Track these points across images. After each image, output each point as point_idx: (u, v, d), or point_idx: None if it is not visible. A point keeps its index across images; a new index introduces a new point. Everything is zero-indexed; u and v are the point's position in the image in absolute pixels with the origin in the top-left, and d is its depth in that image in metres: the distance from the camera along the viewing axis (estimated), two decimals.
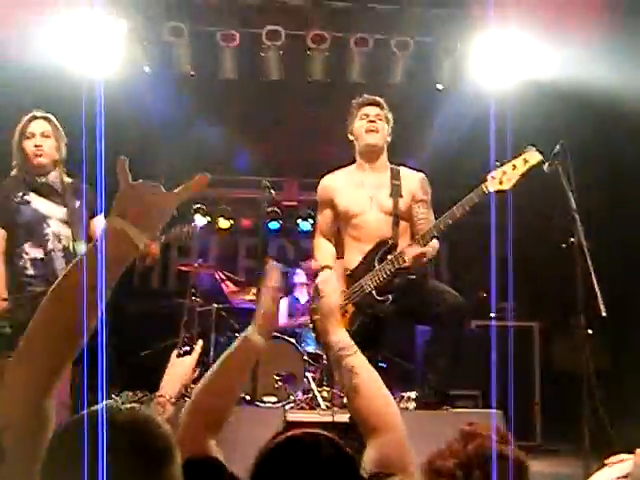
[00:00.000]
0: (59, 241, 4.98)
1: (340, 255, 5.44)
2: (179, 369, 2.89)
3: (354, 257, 5.24)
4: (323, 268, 5.28)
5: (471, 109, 8.76)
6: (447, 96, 9.09)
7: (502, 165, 4.80)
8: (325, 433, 2.04)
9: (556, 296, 9.14)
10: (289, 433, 2.04)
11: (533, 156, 4.83)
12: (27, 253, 4.98)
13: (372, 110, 5.27)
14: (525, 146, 4.91)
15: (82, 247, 4.93)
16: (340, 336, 2.57)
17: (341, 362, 2.53)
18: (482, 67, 8.18)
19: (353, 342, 2.47)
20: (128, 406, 1.67)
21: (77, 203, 5.10)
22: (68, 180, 5.21)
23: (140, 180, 1.86)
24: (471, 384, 8.34)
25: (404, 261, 4.89)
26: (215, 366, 2.43)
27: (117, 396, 1.57)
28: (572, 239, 5.03)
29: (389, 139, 5.35)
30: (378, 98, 5.37)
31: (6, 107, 5.51)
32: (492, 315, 9.23)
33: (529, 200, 10.47)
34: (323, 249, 5.44)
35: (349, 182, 5.32)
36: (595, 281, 4.77)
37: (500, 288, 9.06)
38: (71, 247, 5.01)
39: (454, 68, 8.36)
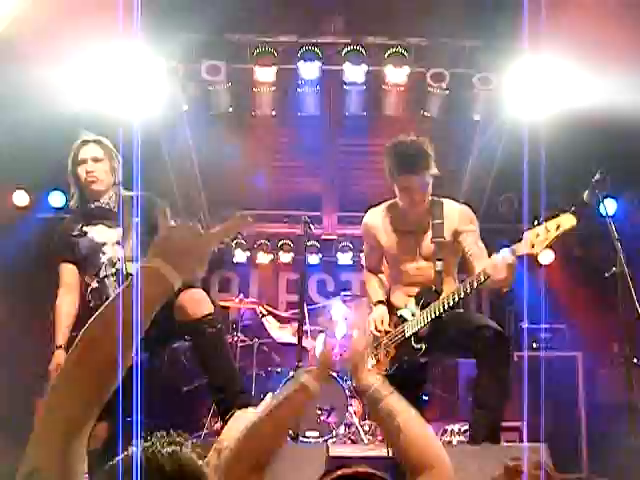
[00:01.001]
0: (113, 265, 4.95)
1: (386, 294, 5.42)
2: (241, 421, 2.85)
3: (399, 300, 5.22)
4: (376, 304, 5.27)
5: (508, 138, 8.78)
6: (484, 127, 9.11)
7: (534, 226, 4.59)
8: (376, 472, 2.04)
9: (599, 325, 9.04)
10: (339, 472, 2.03)
11: (567, 220, 4.57)
12: (89, 285, 4.99)
13: (413, 181, 5.05)
14: (559, 210, 4.67)
15: (132, 266, 4.91)
16: (372, 379, 2.55)
17: (377, 405, 2.51)
18: (518, 97, 8.16)
19: (388, 383, 2.45)
20: (170, 449, 1.65)
21: (135, 220, 5.01)
22: (127, 194, 5.13)
23: (178, 221, 1.86)
24: (515, 416, 8.26)
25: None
26: (266, 409, 2.39)
27: (150, 436, 1.56)
28: (614, 267, 4.98)
29: (432, 173, 5.09)
30: (413, 139, 5.16)
31: (47, 144, 5.51)
32: (534, 346, 9.16)
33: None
34: (373, 283, 5.43)
35: (392, 222, 5.25)
36: (639, 309, 4.71)
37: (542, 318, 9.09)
38: (124, 269, 4.96)
39: (490, 99, 8.35)
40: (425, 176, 5.01)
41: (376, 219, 5.32)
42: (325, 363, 2.41)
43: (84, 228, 5.04)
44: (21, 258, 8.28)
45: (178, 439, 1.71)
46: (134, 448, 1.63)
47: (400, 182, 5.06)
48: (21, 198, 9.48)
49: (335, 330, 8.92)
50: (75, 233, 5.04)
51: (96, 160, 5.04)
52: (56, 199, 9.34)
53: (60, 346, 4.86)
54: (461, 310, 5.15)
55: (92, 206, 5.04)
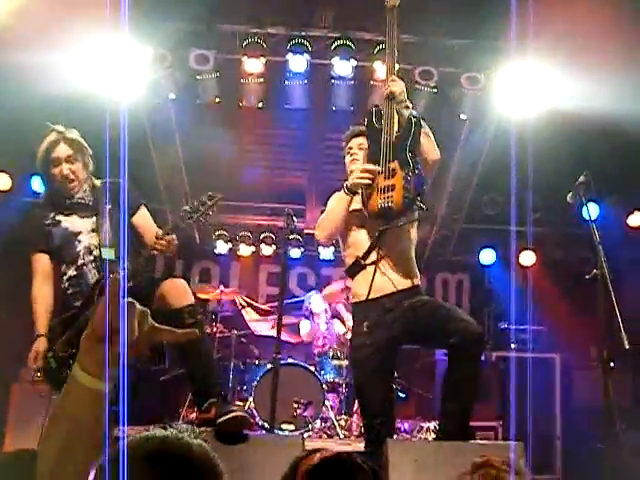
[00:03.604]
0: (90, 253, 4.94)
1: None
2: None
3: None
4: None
5: (494, 139, 8.81)
6: (470, 127, 9.14)
7: None
8: (354, 454, 2.06)
9: (578, 328, 9.08)
10: (319, 455, 2.05)
11: None
12: (65, 273, 4.96)
13: (355, 142, 5.29)
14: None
15: (108, 252, 4.89)
16: None
17: None
18: (505, 97, 8.19)
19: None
20: (198, 441, 1.65)
21: (108, 207, 4.99)
22: (98, 183, 5.11)
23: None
24: (491, 415, 8.30)
25: None
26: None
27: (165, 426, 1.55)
28: (595, 270, 4.99)
29: None
30: (359, 128, 5.32)
31: (31, 128, 5.45)
32: (512, 346, 9.21)
33: (551, 230, 10.48)
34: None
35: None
36: (618, 313, 4.73)
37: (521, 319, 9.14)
38: (100, 254, 4.93)
39: (477, 98, 8.37)
40: None
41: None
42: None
43: (57, 217, 5.01)
44: (3, 241, 8.22)
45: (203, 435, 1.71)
46: (122, 436, 1.62)
47: (347, 146, 5.36)
48: (3, 181, 9.42)
49: (318, 322, 8.94)
50: (48, 222, 5.01)
51: (70, 160, 4.98)
52: (38, 183, 9.28)
53: (41, 334, 4.85)
54: (439, 301, 5.15)
55: (68, 202, 5.02)
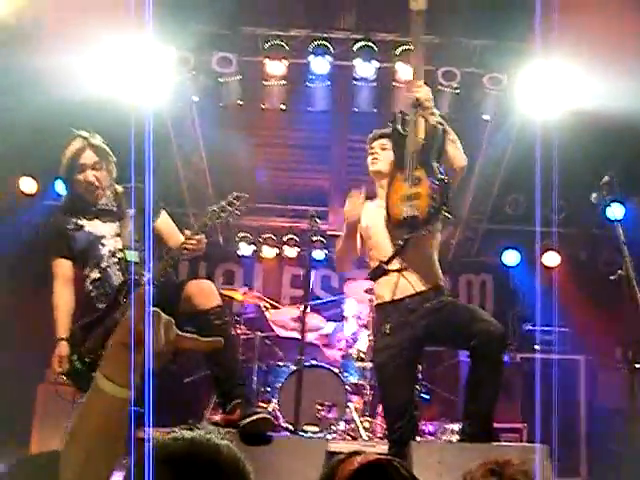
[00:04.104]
0: (113, 256, 4.95)
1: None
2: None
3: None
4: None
5: (517, 139, 8.77)
6: (493, 127, 9.10)
7: None
8: (394, 459, 2.07)
9: (603, 329, 9.03)
10: (359, 459, 2.06)
11: None
12: (88, 276, 4.97)
13: (377, 144, 5.27)
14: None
15: (132, 255, 4.91)
16: None
17: None
18: (528, 98, 8.15)
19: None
20: (226, 442, 1.66)
21: (131, 211, 5.01)
22: (120, 189, 5.11)
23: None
24: (517, 417, 8.26)
25: None
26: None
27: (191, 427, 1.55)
28: (620, 271, 4.96)
29: None
30: (382, 131, 5.31)
31: (56, 132, 5.47)
32: (537, 348, 9.16)
33: (576, 231, 10.42)
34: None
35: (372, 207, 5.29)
36: None
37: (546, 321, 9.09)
38: (124, 257, 4.94)
39: (500, 99, 8.34)
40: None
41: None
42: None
43: (79, 222, 5.02)
44: (27, 244, 8.29)
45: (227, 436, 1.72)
46: (150, 437, 1.62)
47: (369, 148, 5.31)
48: (28, 185, 9.49)
49: (345, 326, 8.92)
50: (71, 227, 5.02)
51: (95, 167, 4.98)
52: (62, 187, 9.35)
53: (62, 338, 4.87)
54: (461, 302, 5.14)
55: (92, 208, 5.03)
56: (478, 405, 4.74)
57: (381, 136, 5.26)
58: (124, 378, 1.64)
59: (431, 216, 4.77)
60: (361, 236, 5.23)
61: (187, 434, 1.65)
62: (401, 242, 4.88)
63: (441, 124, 4.87)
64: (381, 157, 5.19)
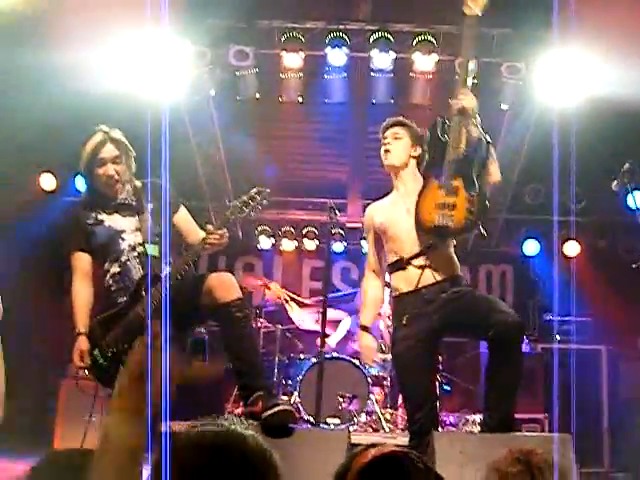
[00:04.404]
0: (133, 249, 4.93)
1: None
2: None
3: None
4: (362, 329, 5.25)
5: (536, 128, 8.72)
6: (512, 117, 9.06)
7: None
8: (411, 451, 2.07)
9: (625, 318, 8.98)
10: (373, 452, 2.06)
11: None
12: (108, 271, 4.95)
13: (390, 132, 5.24)
14: None
15: (152, 248, 4.90)
16: None
17: None
18: (546, 86, 8.10)
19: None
20: (251, 432, 1.67)
21: (150, 205, 4.98)
22: (139, 184, 5.10)
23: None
24: (537, 407, 8.24)
25: None
26: None
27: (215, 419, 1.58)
28: None
29: (415, 152, 5.17)
30: (395, 119, 5.29)
31: (74, 128, 5.48)
32: (557, 338, 9.13)
33: (596, 220, 10.36)
34: (368, 301, 5.37)
35: (386, 202, 5.26)
36: None
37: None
38: (144, 251, 4.92)
39: (518, 88, 8.30)
40: (406, 132, 5.16)
41: (375, 205, 5.35)
42: None
43: (99, 217, 5.02)
44: (48, 241, 8.33)
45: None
46: (170, 429, 1.64)
47: (382, 136, 5.21)
48: (48, 181, 9.54)
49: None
50: (90, 222, 5.02)
51: (116, 162, 4.96)
52: (82, 183, 9.39)
53: (80, 332, 4.89)
54: (479, 292, 5.11)
55: (111, 203, 5.03)
56: (498, 395, 4.73)
57: (394, 124, 5.23)
58: (137, 413, 1.67)
59: (466, 229, 4.80)
60: (375, 232, 5.21)
61: (211, 426, 1.66)
62: (428, 246, 4.86)
63: (486, 139, 4.84)
64: (393, 148, 5.15)
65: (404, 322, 4.88)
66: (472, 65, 5.07)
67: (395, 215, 5.06)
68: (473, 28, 5.00)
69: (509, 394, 4.76)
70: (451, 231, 4.76)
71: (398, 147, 5.15)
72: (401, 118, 5.23)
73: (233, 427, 1.66)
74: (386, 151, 5.16)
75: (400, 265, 4.97)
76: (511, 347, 4.69)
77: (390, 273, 5.11)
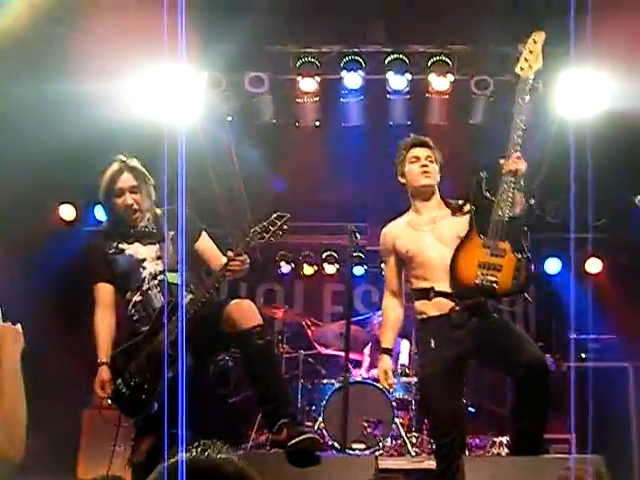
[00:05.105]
0: (154, 278, 4.93)
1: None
2: None
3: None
4: (383, 352, 5.19)
5: (555, 146, 8.67)
6: (530, 134, 9.01)
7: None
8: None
9: None
10: None
11: (539, 34, 5.21)
12: (130, 300, 4.95)
13: (422, 152, 5.19)
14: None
15: (173, 277, 4.87)
16: None
17: None
18: (564, 103, 8.05)
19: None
20: (225, 455, 1.67)
21: (171, 233, 4.98)
22: (159, 212, 5.11)
23: None
24: (564, 427, 8.13)
25: None
26: None
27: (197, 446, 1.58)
28: None
29: (439, 178, 5.22)
30: (424, 138, 5.27)
31: (92, 157, 5.49)
32: (582, 356, 9.04)
33: (618, 236, 10.29)
34: (387, 323, 5.31)
35: (407, 224, 5.21)
36: None
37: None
38: (165, 279, 4.90)
39: (536, 106, 8.26)
40: (434, 156, 5.20)
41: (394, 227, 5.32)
42: None
43: (120, 246, 5.01)
44: (68, 272, 8.33)
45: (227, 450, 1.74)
46: (180, 455, 1.65)
47: (411, 154, 5.19)
48: (68, 212, 9.56)
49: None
50: (111, 251, 5.02)
51: (133, 191, 4.97)
52: (101, 213, 9.40)
53: (103, 362, 4.87)
54: (507, 322, 5.07)
55: (132, 231, 5.03)
56: (528, 419, 4.68)
57: (423, 144, 5.21)
58: None
59: (512, 292, 4.84)
60: (397, 256, 5.18)
61: (190, 454, 1.68)
62: (471, 305, 4.82)
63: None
64: (431, 169, 5.13)
65: (432, 346, 4.83)
66: (520, 120, 5.01)
67: (421, 243, 5.02)
68: (525, 90, 5.15)
69: (539, 418, 4.71)
70: (496, 293, 4.74)
71: (433, 168, 5.13)
72: (429, 139, 5.22)
73: (212, 454, 1.67)
74: (425, 171, 5.12)
75: (429, 295, 4.93)
76: (540, 386, 4.65)
77: (416, 299, 5.07)
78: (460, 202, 5.13)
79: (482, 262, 4.72)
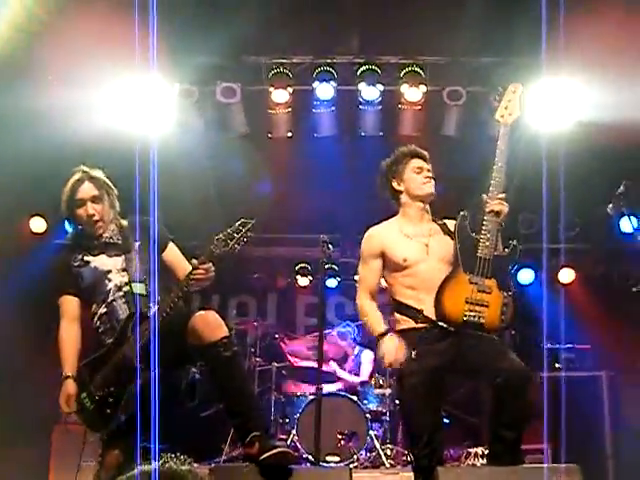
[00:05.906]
0: (120, 289, 4.87)
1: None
2: None
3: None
4: (382, 335, 5.10)
5: (527, 156, 8.69)
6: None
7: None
8: None
9: (624, 344, 8.91)
10: None
11: (516, 85, 5.36)
12: (95, 313, 4.89)
13: (424, 165, 5.19)
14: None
15: (138, 287, 4.84)
16: None
17: None
18: (536, 114, 8.08)
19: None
20: (187, 467, 1.67)
21: (137, 243, 4.94)
22: (125, 223, 5.06)
23: None
24: (539, 437, 8.12)
25: None
26: None
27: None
28: None
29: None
30: (422, 150, 5.27)
31: (63, 169, 5.43)
32: (557, 365, 9.06)
33: (590, 246, 10.33)
34: (373, 312, 5.24)
35: (399, 231, 5.18)
36: None
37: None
38: (130, 290, 4.86)
39: None
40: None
41: (383, 230, 5.27)
42: None
43: (85, 258, 4.96)
44: (39, 284, 8.25)
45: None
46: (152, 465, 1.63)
47: (413, 163, 5.20)
48: (38, 224, 9.48)
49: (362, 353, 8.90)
50: (77, 263, 4.96)
51: (95, 200, 4.93)
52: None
53: (68, 376, 4.80)
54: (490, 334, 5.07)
55: (96, 242, 4.98)
56: (505, 430, 4.66)
57: (420, 156, 5.22)
58: None
59: (499, 328, 4.85)
60: (384, 259, 5.15)
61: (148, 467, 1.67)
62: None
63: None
64: (432, 183, 5.16)
65: (413, 357, 4.79)
66: (501, 164, 5.11)
67: (419, 254, 5.01)
68: (506, 136, 5.21)
69: (518, 426, 4.70)
70: (484, 329, 4.76)
71: (432, 179, 5.16)
72: (421, 150, 5.24)
73: (175, 466, 1.66)
74: (428, 178, 5.14)
75: (417, 318, 4.90)
76: (519, 393, 4.63)
77: (399, 313, 5.04)
78: (445, 221, 5.19)
79: (469, 298, 4.75)
